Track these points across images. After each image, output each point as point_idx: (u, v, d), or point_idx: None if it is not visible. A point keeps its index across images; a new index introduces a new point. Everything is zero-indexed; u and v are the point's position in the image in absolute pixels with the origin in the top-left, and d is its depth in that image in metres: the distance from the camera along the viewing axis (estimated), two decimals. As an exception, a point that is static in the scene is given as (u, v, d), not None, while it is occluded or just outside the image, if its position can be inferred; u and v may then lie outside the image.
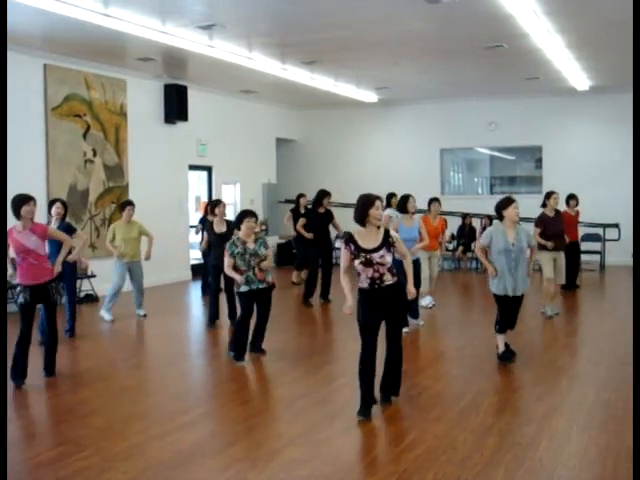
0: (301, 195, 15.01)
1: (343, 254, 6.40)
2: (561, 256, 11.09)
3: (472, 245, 17.86)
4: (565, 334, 10.33)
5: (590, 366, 8.32)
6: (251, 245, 8.29)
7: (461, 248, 17.69)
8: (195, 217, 17.35)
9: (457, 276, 16.86)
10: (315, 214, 12.90)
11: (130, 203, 11.53)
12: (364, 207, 6.31)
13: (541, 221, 11.17)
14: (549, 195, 11.35)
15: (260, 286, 8.33)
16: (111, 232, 11.35)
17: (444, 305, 12.24)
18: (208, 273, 11.78)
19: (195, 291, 15.27)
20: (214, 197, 16.92)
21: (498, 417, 6.34)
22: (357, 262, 6.28)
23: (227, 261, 8.27)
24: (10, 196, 11.17)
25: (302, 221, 13.11)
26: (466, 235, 17.91)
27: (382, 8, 10.10)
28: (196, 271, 16.55)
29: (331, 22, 10.81)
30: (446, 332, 10.61)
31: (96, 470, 5.20)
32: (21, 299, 7.60)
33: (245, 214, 8.45)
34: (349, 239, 6.33)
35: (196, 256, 16.97)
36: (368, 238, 6.31)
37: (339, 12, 10.23)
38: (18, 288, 7.61)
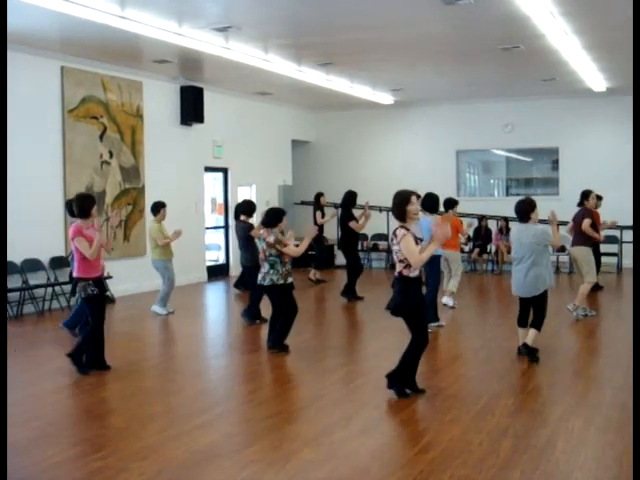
0: (320, 194, 15.32)
1: (409, 241, 6.51)
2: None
3: (488, 247, 17.84)
4: (582, 336, 10.28)
5: (607, 368, 8.28)
6: None
7: (477, 250, 17.63)
8: (211, 219, 17.41)
9: (473, 278, 16.81)
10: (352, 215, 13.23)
11: (165, 204, 11.82)
12: (401, 204, 6.63)
13: (590, 213, 11.15)
14: (588, 194, 11.30)
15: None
16: (161, 231, 11.64)
17: (460, 307, 12.21)
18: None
19: (212, 292, 15.32)
20: (230, 199, 17.00)
21: (514, 419, 6.32)
22: (418, 247, 6.59)
23: (292, 245, 9.00)
24: (18, 196, 11.34)
25: (354, 222, 13.13)
26: (482, 237, 17.84)
27: (398, 10, 10.09)
28: (212, 272, 16.62)
29: (347, 24, 10.82)
30: (463, 334, 10.59)
31: (112, 470, 5.22)
32: (90, 292, 7.91)
33: (283, 212, 9.14)
34: (405, 227, 6.60)
35: (211, 257, 17.06)
36: (414, 230, 6.67)
37: (355, 14, 10.23)
38: (82, 283, 7.90)
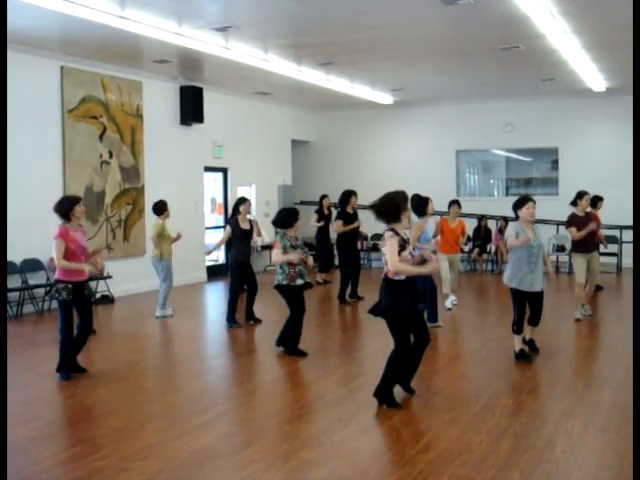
0: (324, 196, 15.39)
1: (392, 244, 6.38)
2: (595, 257, 11.08)
3: (488, 247, 17.84)
4: (582, 336, 10.28)
5: (607, 368, 8.28)
6: (299, 241, 8.88)
7: (477, 250, 17.63)
8: (211, 219, 17.41)
9: (473, 278, 16.80)
10: (346, 215, 13.01)
11: (165, 202, 11.77)
12: (403, 204, 6.61)
13: (571, 221, 10.97)
14: (581, 195, 11.18)
15: (308, 280, 8.89)
16: (160, 228, 11.47)
17: (460, 307, 12.21)
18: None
19: (211, 292, 15.32)
20: (229, 199, 17.01)
21: (514, 419, 6.32)
22: (405, 253, 6.45)
23: (277, 251, 8.65)
24: (18, 196, 11.31)
25: (340, 222, 13.00)
26: (482, 237, 17.85)
27: (398, 10, 10.09)
28: (211, 272, 16.62)
29: (346, 24, 10.81)
30: (462, 334, 10.59)
31: (112, 470, 5.22)
32: (64, 296, 7.76)
33: (296, 213, 8.97)
34: (394, 230, 6.49)
35: (211, 257, 17.04)
36: (402, 232, 6.59)
37: (354, 14, 10.23)
38: (59, 285, 7.74)
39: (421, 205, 10.36)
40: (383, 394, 6.63)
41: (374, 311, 6.73)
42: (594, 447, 5.64)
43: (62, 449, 5.74)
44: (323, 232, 15.40)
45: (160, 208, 11.58)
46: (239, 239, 10.86)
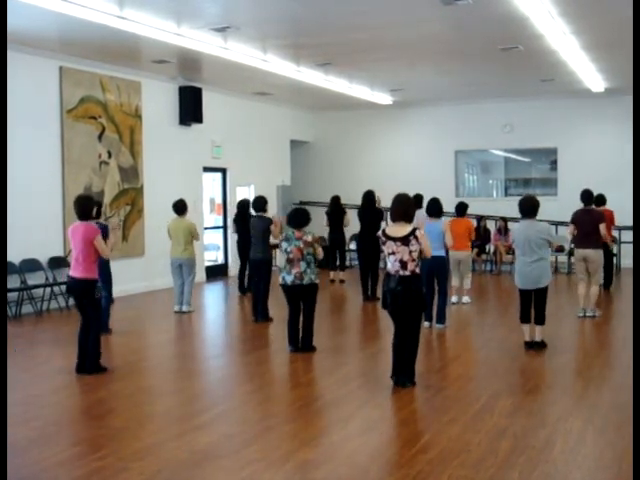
0: (338, 197, 15.43)
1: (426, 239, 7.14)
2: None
3: (487, 247, 17.84)
4: (581, 336, 10.29)
5: (607, 368, 8.29)
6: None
7: (476, 250, 17.60)
8: (210, 219, 17.42)
9: (472, 278, 16.76)
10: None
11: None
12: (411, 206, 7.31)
13: (604, 216, 11.48)
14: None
15: None
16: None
17: (460, 307, 12.23)
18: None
19: (210, 292, 15.32)
20: (229, 199, 17.05)
21: (512, 419, 6.32)
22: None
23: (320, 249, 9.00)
24: (17, 196, 11.29)
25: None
26: (481, 237, 17.81)
27: (397, 10, 10.10)
28: (211, 273, 16.60)
29: (345, 24, 10.82)
30: (462, 334, 10.59)
31: (112, 470, 5.22)
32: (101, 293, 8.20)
33: (309, 214, 9.19)
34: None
35: (210, 258, 17.05)
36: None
37: (354, 14, 10.23)
38: (98, 284, 8.05)
39: (440, 208, 10.68)
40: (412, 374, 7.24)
41: (417, 304, 7.12)
42: (593, 447, 5.65)
43: (62, 449, 5.74)
44: (342, 234, 15.49)
45: (185, 206, 11.94)
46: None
